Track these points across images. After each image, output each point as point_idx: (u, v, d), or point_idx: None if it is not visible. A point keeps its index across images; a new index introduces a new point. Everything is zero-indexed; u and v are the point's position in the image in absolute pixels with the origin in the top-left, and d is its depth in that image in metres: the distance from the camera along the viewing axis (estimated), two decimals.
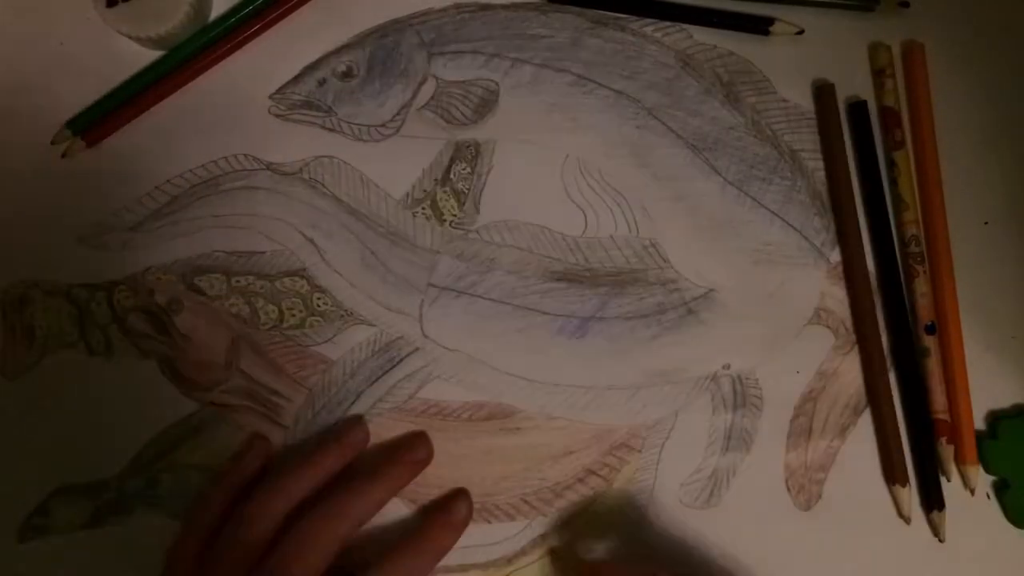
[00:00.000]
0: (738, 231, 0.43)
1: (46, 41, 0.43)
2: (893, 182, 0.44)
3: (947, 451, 0.41)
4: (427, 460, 0.40)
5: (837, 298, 0.43)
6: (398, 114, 0.43)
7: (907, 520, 0.41)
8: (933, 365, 0.42)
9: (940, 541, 0.41)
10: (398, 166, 0.43)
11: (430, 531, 0.38)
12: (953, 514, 0.42)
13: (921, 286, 0.43)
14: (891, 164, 0.44)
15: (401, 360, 0.42)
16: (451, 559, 0.40)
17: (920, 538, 0.41)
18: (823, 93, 0.44)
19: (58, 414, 0.40)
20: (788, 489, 0.42)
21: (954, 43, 0.45)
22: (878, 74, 0.44)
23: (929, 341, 0.42)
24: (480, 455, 0.41)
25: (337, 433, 0.40)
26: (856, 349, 0.43)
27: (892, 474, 0.41)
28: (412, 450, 0.40)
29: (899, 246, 0.43)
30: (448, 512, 0.39)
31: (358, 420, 0.40)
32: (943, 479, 0.42)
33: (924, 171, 0.44)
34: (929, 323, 0.42)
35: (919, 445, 0.42)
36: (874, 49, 0.45)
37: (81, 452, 0.40)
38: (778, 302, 0.43)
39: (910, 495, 0.41)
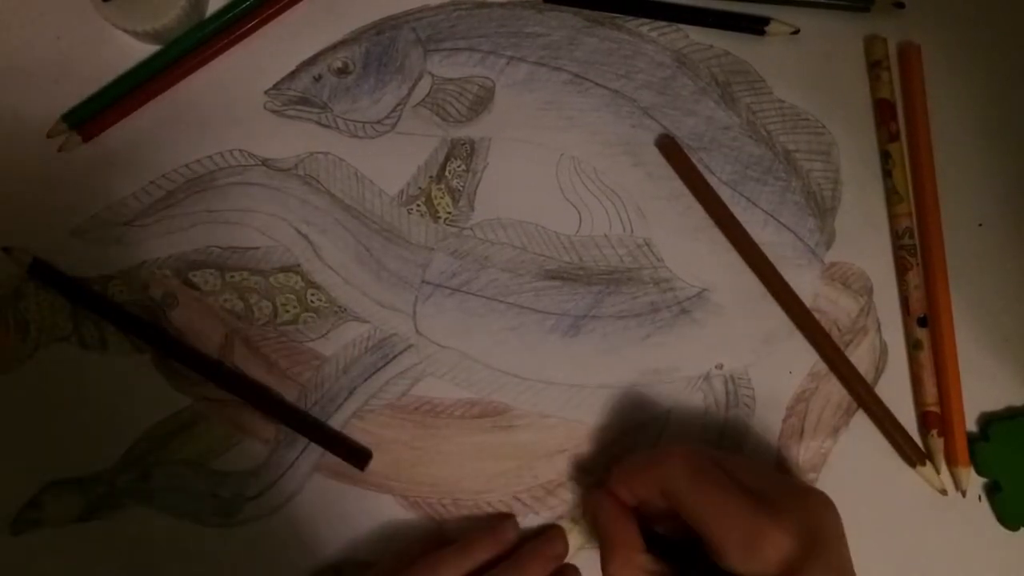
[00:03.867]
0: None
1: (43, 35, 0.43)
2: (888, 174, 0.44)
3: (937, 443, 0.41)
4: (564, 555, 0.40)
5: (830, 299, 0.43)
6: (393, 111, 0.43)
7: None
8: (925, 358, 0.42)
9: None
10: (393, 163, 0.43)
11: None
12: (944, 516, 0.42)
13: (914, 279, 0.43)
14: (886, 156, 0.44)
15: (394, 357, 0.42)
16: None
17: (909, 541, 0.41)
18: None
19: (51, 407, 0.40)
20: None
21: (950, 44, 0.45)
22: (874, 66, 0.44)
23: (921, 334, 0.42)
24: (472, 452, 0.41)
25: (492, 529, 0.39)
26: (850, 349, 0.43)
27: (909, 458, 0.41)
28: (551, 544, 0.39)
29: (892, 238, 0.44)
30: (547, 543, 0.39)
31: (510, 518, 0.40)
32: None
33: (919, 166, 0.44)
34: (921, 316, 0.42)
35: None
36: (870, 42, 0.45)
37: (74, 446, 0.40)
38: (771, 303, 0.43)
39: (937, 471, 0.41)
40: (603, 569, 0.35)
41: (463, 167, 0.43)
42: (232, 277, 0.42)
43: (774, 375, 0.42)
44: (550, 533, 0.40)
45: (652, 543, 0.36)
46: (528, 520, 0.41)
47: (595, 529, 0.38)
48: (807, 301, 0.43)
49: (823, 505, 0.34)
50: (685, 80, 0.45)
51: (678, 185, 0.44)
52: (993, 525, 0.42)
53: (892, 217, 0.44)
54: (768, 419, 0.42)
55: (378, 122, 0.43)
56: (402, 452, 0.41)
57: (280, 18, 0.44)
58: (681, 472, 0.34)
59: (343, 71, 0.43)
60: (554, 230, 0.43)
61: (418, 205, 0.43)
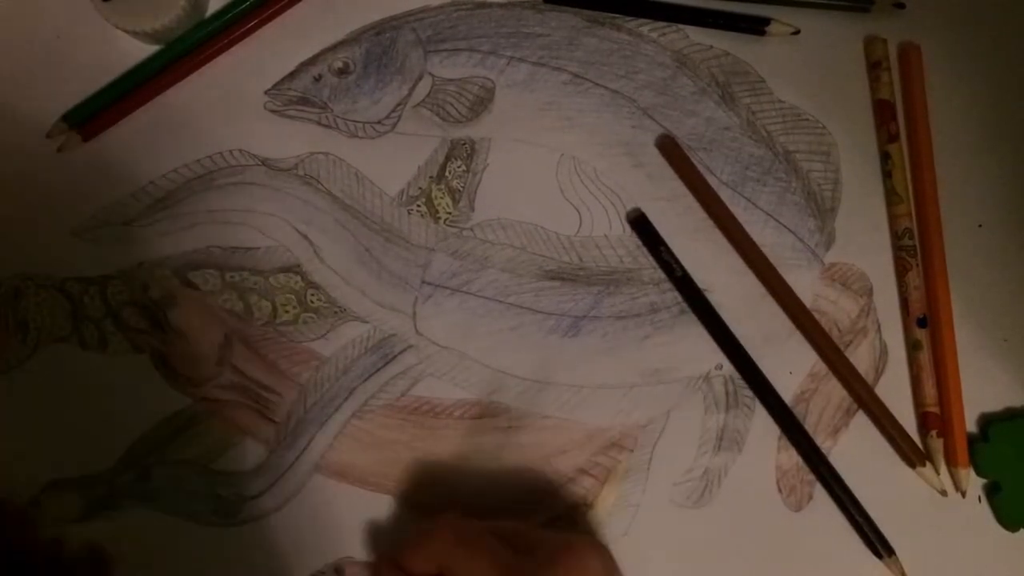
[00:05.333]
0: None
1: (43, 34, 0.43)
2: (887, 175, 0.44)
3: (937, 444, 0.42)
4: None
5: (830, 299, 0.43)
6: (394, 111, 0.43)
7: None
8: (924, 359, 0.42)
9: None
10: (393, 163, 0.43)
11: None
12: (944, 517, 0.42)
13: (914, 279, 0.43)
14: (886, 157, 0.44)
15: (394, 357, 0.42)
16: None
17: (908, 541, 0.41)
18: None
19: (51, 408, 0.40)
20: (779, 490, 0.42)
21: (950, 44, 0.45)
22: (874, 67, 0.45)
23: (921, 335, 0.42)
24: (471, 453, 0.41)
25: None
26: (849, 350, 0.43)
27: (909, 458, 0.41)
28: None
29: (892, 239, 0.44)
30: None
31: None
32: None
33: (918, 166, 0.44)
34: (921, 316, 0.42)
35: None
36: (870, 42, 0.45)
37: (73, 446, 0.40)
38: (771, 303, 0.43)
39: (937, 472, 0.42)
40: None
41: (463, 167, 0.43)
42: (232, 277, 0.42)
43: (774, 375, 0.42)
44: None
45: None
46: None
47: None
48: (807, 302, 0.43)
49: (590, 555, 0.34)
50: (685, 80, 0.45)
51: (678, 185, 0.44)
52: (993, 526, 0.42)
53: (892, 218, 0.44)
54: (768, 419, 0.42)
55: (378, 122, 0.43)
56: (402, 452, 0.41)
57: (280, 18, 0.44)
58: (451, 546, 0.34)
59: (343, 71, 0.43)
60: (554, 230, 0.43)
61: (418, 205, 0.43)
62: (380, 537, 0.40)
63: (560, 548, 0.35)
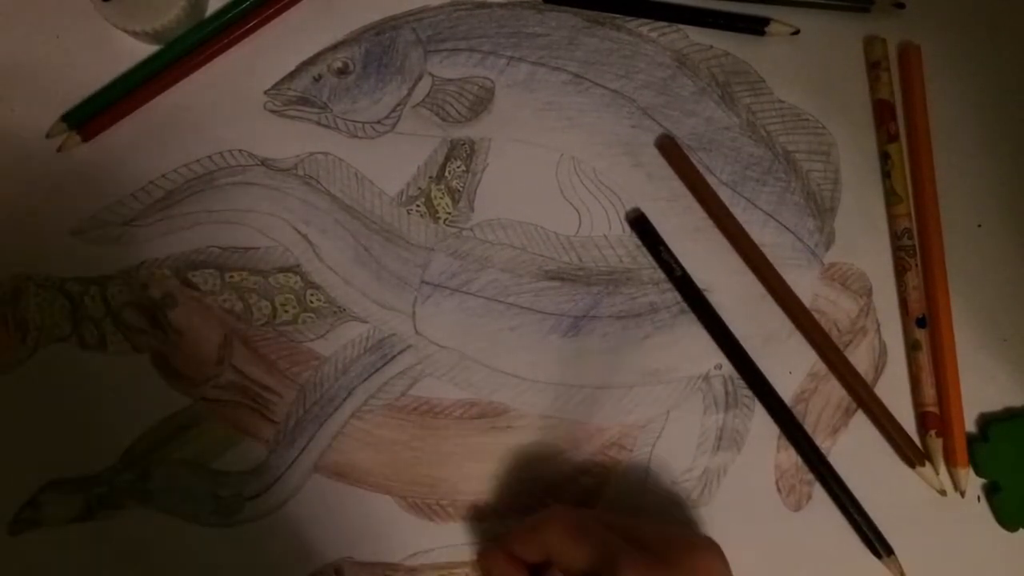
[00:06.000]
0: None
1: (42, 34, 0.43)
2: (887, 175, 0.44)
3: (936, 444, 0.42)
4: None
5: (830, 299, 0.43)
6: (393, 111, 0.43)
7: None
8: (924, 359, 0.42)
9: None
10: (393, 163, 0.43)
11: None
12: (943, 516, 0.42)
13: (913, 279, 0.43)
14: (885, 157, 0.44)
15: (393, 357, 0.42)
16: (446, 556, 0.40)
17: (908, 541, 0.41)
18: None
19: (50, 407, 0.40)
20: (779, 490, 0.42)
21: (950, 44, 0.45)
22: (873, 67, 0.45)
23: (920, 335, 0.42)
24: (471, 453, 0.41)
25: None
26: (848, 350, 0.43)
27: (908, 458, 0.41)
28: None
29: (891, 239, 0.44)
30: None
31: None
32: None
33: (918, 166, 0.44)
34: (920, 316, 0.42)
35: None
36: (869, 42, 0.45)
37: (73, 446, 0.40)
38: (771, 303, 0.43)
39: (935, 471, 0.42)
40: None
41: (463, 167, 0.43)
42: (231, 277, 0.42)
43: (773, 375, 0.42)
44: None
45: None
46: None
47: None
48: (807, 302, 0.43)
49: (711, 555, 0.35)
50: (685, 80, 0.45)
51: (678, 185, 0.44)
52: (992, 526, 0.42)
53: (891, 218, 0.44)
54: (767, 419, 0.42)
55: (378, 122, 0.43)
56: (401, 452, 0.41)
57: (280, 18, 0.44)
58: (560, 536, 0.34)
59: (343, 71, 0.43)
60: (554, 231, 0.43)
61: (418, 205, 0.43)
62: (380, 537, 0.40)
63: (682, 546, 0.35)
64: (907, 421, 0.42)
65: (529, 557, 0.35)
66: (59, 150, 0.42)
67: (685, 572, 0.34)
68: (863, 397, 0.42)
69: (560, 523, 0.35)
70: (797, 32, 0.44)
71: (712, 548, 0.35)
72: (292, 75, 0.43)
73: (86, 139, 0.42)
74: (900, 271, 0.43)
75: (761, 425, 0.42)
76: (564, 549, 0.34)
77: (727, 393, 0.42)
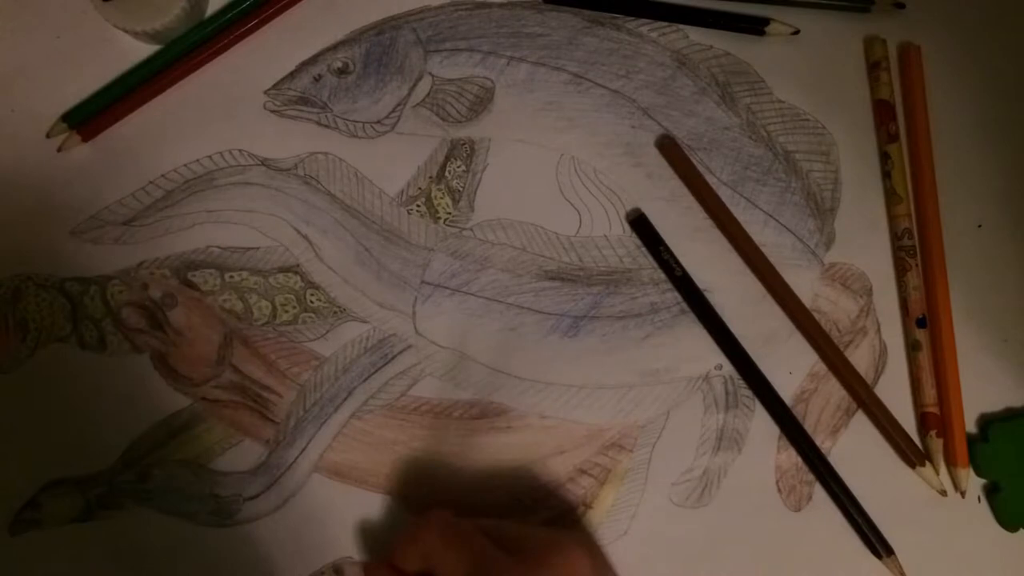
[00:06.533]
0: None
1: (43, 34, 0.43)
2: (887, 175, 0.44)
3: (936, 444, 0.42)
4: None
5: (830, 299, 0.43)
6: (393, 111, 0.43)
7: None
8: (924, 359, 0.42)
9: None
10: (393, 163, 0.43)
11: None
12: (944, 517, 0.42)
13: (913, 279, 0.43)
14: (885, 157, 0.44)
15: (393, 357, 0.42)
16: None
17: (908, 541, 0.41)
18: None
19: (50, 408, 0.40)
20: (779, 490, 0.42)
21: (950, 45, 0.45)
22: (873, 67, 0.45)
23: (920, 335, 0.42)
24: (471, 453, 0.41)
25: None
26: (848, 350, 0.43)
27: (909, 458, 0.41)
28: None
29: (892, 239, 0.44)
30: None
31: None
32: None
33: (918, 167, 0.44)
34: (920, 316, 0.42)
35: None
36: (869, 43, 0.45)
37: (72, 446, 0.40)
38: (771, 303, 0.43)
39: (936, 471, 0.42)
40: None
41: (463, 167, 0.43)
42: (231, 277, 0.42)
43: (774, 375, 0.42)
44: None
45: None
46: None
47: None
48: (807, 302, 0.43)
49: (578, 551, 0.35)
50: (685, 80, 0.45)
51: (678, 185, 0.44)
52: (992, 526, 0.42)
53: (891, 218, 0.44)
54: (768, 420, 0.42)
55: (378, 122, 0.43)
56: (401, 452, 0.41)
57: (280, 18, 0.44)
58: (437, 545, 0.34)
59: (343, 71, 0.43)
60: (554, 231, 0.43)
61: (418, 205, 0.43)
62: (379, 537, 0.40)
63: (548, 545, 0.35)
64: (907, 421, 0.42)
65: (410, 567, 0.35)
66: (59, 150, 0.42)
67: (555, 571, 0.34)
68: (863, 397, 0.42)
69: (437, 531, 0.35)
70: (797, 32, 0.44)
71: (581, 545, 0.35)
72: (292, 75, 0.43)
73: (86, 139, 0.42)
74: (900, 271, 0.43)
75: (761, 425, 0.42)
76: (442, 559, 0.34)
77: (727, 393, 0.42)
